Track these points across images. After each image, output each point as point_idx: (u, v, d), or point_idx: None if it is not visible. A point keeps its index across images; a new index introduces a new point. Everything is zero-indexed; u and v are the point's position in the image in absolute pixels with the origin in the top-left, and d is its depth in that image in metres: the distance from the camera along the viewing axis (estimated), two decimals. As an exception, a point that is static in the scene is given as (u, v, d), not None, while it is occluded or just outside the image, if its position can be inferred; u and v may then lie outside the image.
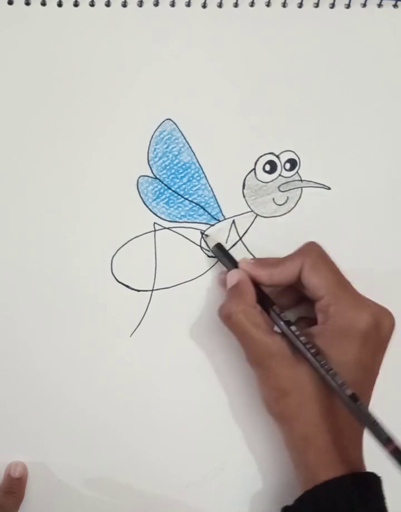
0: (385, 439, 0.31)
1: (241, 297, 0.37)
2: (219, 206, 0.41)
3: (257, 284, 0.37)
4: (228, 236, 0.41)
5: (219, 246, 0.40)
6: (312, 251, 0.37)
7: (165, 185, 0.41)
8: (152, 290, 0.41)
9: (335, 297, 0.36)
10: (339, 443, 0.34)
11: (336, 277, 0.36)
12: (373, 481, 0.34)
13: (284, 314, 0.37)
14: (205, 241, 0.40)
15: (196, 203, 0.41)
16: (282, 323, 0.36)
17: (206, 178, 0.41)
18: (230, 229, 0.41)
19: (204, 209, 0.41)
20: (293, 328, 0.35)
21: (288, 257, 0.38)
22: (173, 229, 0.41)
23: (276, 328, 0.37)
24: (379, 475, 0.34)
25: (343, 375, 0.34)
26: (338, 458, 0.34)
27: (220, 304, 0.37)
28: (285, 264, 0.37)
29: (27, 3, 0.40)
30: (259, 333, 0.35)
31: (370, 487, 0.33)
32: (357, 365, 0.35)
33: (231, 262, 0.39)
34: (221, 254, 0.40)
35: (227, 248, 0.41)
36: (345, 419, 0.34)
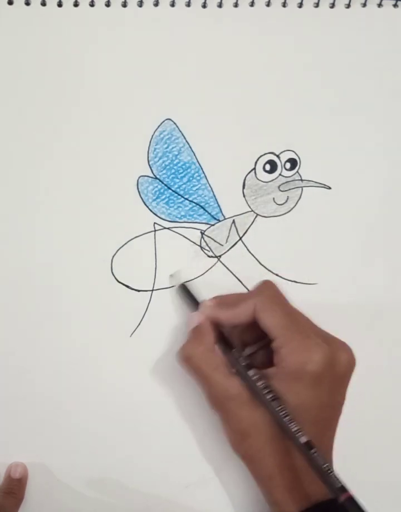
0: (338, 489, 0.32)
1: (200, 339, 0.37)
2: (219, 206, 0.41)
3: (218, 325, 0.38)
4: (228, 236, 0.41)
5: (183, 287, 0.40)
6: (264, 292, 0.37)
7: (165, 185, 0.41)
8: (152, 290, 0.41)
9: (285, 339, 0.35)
10: (303, 479, 0.34)
11: (287, 318, 0.36)
12: (336, 508, 0.33)
13: (243, 357, 0.37)
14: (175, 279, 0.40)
15: (196, 203, 0.41)
16: (241, 366, 0.36)
17: (206, 178, 0.41)
18: (230, 228, 0.41)
19: (204, 209, 0.41)
20: (251, 372, 0.35)
21: (246, 296, 0.38)
22: (173, 229, 0.41)
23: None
24: (341, 499, 0.33)
25: (303, 416, 0.34)
26: (302, 493, 0.34)
27: (180, 347, 0.37)
28: (243, 304, 0.37)
29: (27, 3, 0.40)
30: (217, 376, 0.36)
31: None
32: (314, 405, 0.35)
33: (193, 304, 0.39)
34: (184, 295, 0.40)
35: (227, 248, 0.41)
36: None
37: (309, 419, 0.34)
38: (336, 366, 0.35)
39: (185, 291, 0.40)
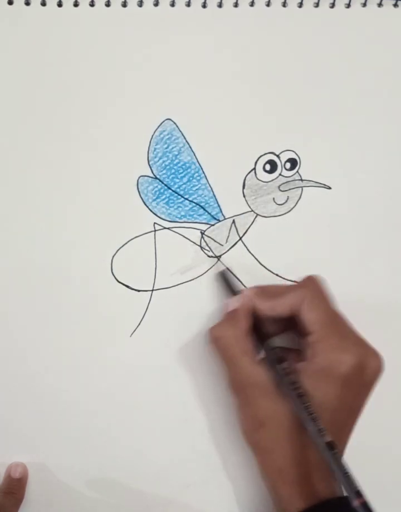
0: (354, 492, 0.32)
1: (235, 322, 0.37)
2: (219, 206, 0.41)
3: (255, 314, 0.37)
4: (228, 236, 0.41)
5: (225, 272, 0.40)
6: (312, 286, 0.37)
7: (165, 185, 0.41)
8: (152, 290, 0.41)
9: (323, 335, 0.36)
10: (313, 475, 0.34)
11: (329, 315, 0.36)
12: (342, 506, 0.33)
13: (276, 349, 0.37)
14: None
15: (196, 203, 0.41)
16: (273, 358, 0.36)
17: (206, 178, 0.41)
18: (230, 228, 0.41)
19: (204, 209, 0.41)
20: (283, 364, 0.35)
21: (290, 289, 0.37)
22: (173, 229, 0.41)
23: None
24: (355, 504, 0.33)
25: (324, 415, 0.34)
26: (310, 490, 0.34)
27: (211, 326, 0.37)
28: (287, 296, 0.37)
29: (27, 3, 0.40)
30: (245, 361, 0.36)
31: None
32: (338, 406, 0.35)
33: (231, 292, 0.39)
34: (224, 282, 0.40)
35: (227, 248, 0.41)
36: (319, 452, 0.34)
37: (330, 419, 0.34)
38: (365, 371, 0.35)
39: (225, 278, 0.40)
